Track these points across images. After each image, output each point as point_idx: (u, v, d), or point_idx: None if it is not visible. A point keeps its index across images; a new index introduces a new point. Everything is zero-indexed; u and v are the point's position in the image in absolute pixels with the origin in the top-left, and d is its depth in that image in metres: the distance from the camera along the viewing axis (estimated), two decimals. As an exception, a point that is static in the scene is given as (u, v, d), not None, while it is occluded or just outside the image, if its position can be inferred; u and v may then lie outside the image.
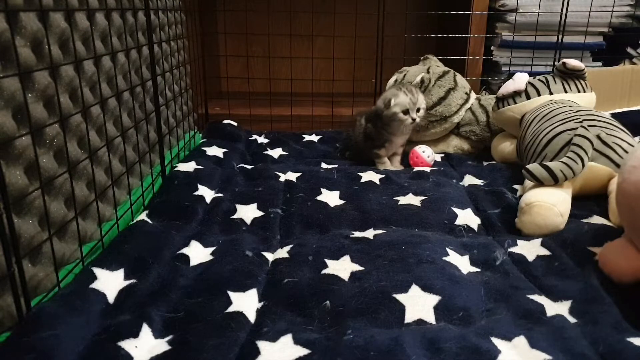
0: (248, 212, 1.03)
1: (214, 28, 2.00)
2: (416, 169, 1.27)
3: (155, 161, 1.19)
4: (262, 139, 1.60)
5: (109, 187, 0.93)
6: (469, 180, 1.22)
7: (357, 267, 0.78)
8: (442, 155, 1.46)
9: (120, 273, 0.76)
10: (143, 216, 0.96)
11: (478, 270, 0.81)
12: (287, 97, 1.72)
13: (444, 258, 0.81)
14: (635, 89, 1.57)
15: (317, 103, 1.76)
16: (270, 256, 0.86)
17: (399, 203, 1.05)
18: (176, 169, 1.18)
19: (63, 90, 0.79)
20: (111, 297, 0.70)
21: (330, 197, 1.08)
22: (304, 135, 1.64)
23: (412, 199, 1.06)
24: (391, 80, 1.52)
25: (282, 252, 0.86)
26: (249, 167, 1.32)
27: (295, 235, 0.97)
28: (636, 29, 1.74)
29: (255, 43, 2.00)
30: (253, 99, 1.75)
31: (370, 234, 0.91)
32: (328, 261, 0.81)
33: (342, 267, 0.78)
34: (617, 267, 0.72)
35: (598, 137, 0.99)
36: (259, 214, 1.03)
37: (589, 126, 1.01)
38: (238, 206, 1.05)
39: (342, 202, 1.07)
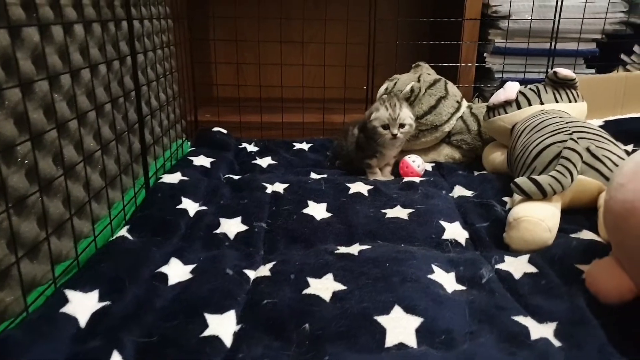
0: (232, 227, 1.00)
1: (204, 35, 1.98)
2: (406, 179, 1.25)
3: (138, 173, 1.17)
4: (251, 147, 1.58)
5: (86, 203, 0.91)
6: (458, 191, 1.20)
7: (339, 287, 0.76)
8: (433, 164, 1.44)
9: (95, 294, 0.73)
10: (124, 231, 0.94)
11: (464, 288, 0.79)
12: (278, 103, 1.70)
13: (429, 276, 0.79)
14: (628, 96, 1.55)
15: (309, 110, 1.74)
16: (251, 274, 0.84)
17: (387, 216, 1.03)
18: (161, 180, 1.16)
19: (36, 106, 0.77)
20: (83, 322, 0.68)
21: (317, 210, 1.06)
22: (294, 144, 1.62)
23: (399, 212, 1.04)
24: (382, 89, 1.50)
25: (264, 270, 0.84)
26: (235, 177, 1.29)
27: (279, 250, 0.95)
28: (629, 35, 1.72)
29: (247, 50, 1.97)
30: (244, 105, 1.73)
31: (355, 249, 0.89)
32: (310, 280, 0.79)
33: (324, 287, 0.76)
34: (604, 287, 0.71)
35: (588, 149, 0.98)
36: (243, 228, 1.01)
37: (578, 138, 0.99)
38: (222, 220, 1.03)
39: (329, 214, 1.05)
